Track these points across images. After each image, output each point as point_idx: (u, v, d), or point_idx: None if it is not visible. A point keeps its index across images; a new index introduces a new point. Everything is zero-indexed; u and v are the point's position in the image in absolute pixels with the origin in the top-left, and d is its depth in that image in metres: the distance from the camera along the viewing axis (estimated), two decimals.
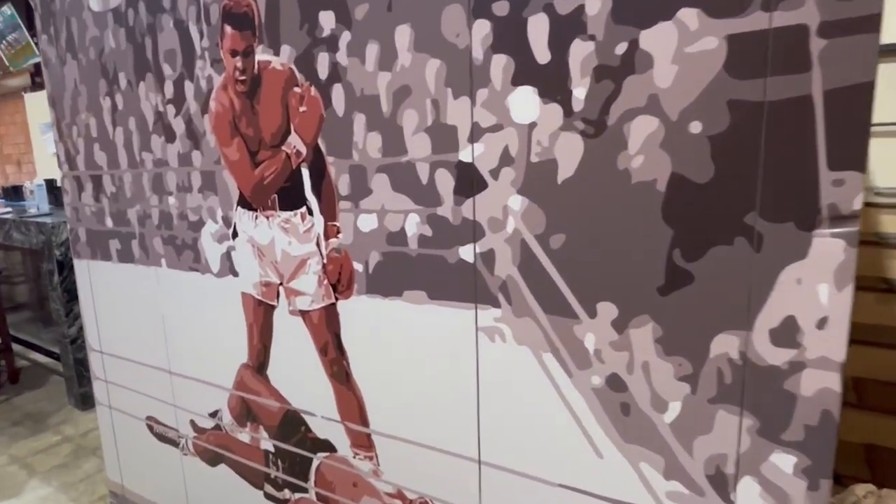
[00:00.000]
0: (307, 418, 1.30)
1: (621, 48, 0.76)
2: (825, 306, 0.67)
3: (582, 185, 0.83)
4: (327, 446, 1.27)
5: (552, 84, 0.82)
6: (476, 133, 0.91)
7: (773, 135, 0.68)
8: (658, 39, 0.73)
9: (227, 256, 1.37)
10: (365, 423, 1.19)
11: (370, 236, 1.08)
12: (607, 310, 0.84)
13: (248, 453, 1.46)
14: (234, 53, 1.22)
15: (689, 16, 0.71)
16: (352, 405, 1.20)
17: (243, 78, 1.21)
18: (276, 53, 1.15)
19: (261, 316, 1.34)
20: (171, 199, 1.47)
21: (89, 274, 1.81)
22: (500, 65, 0.86)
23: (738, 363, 0.75)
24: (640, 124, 0.76)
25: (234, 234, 1.34)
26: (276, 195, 1.23)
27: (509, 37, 0.85)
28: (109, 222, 1.67)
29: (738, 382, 0.75)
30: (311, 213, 1.18)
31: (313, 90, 1.10)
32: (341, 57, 1.04)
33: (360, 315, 1.14)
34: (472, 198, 0.94)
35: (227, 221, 1.35)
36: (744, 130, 0.70)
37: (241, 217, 1.32)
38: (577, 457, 0.91)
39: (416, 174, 0.99)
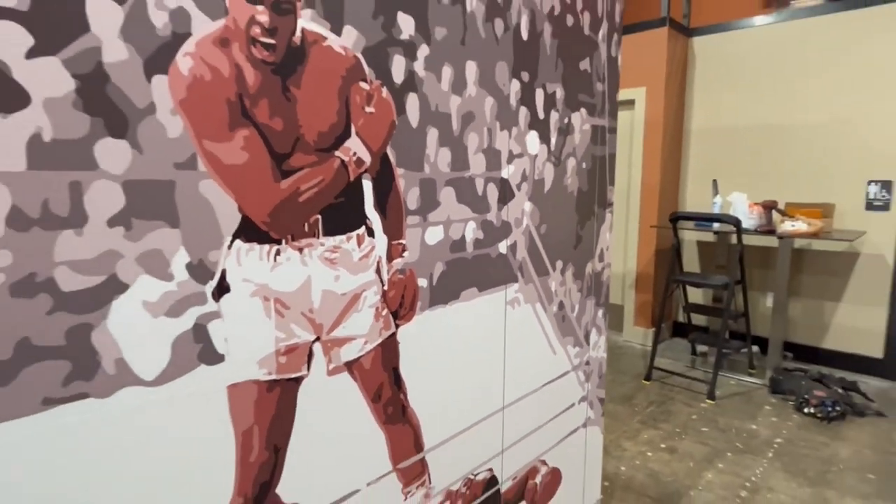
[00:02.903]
0: None
1: (564, 123, 1.42)
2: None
3: (552, 194, 1.41)
4: None
5: (543, 133, 1.35)
6: (510, 158, 1.26)
7: None
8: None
9: (198, 334, 0.75)
10: (420, 448, 1.13)
11: (436, 248, 1.10)
12: (559, 264, 1.47)
13: None
14: None
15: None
16: (406, 439, 1.10)
17: (271, 42, 0.79)
18: (337, 32, 0.87)
19: (272, 405, 0.85)
20: None
21: None
22: (523, 114, 1.28)
23: (591, 272, 1.61)
24: (569, 162, 1.45)
25: (222, 291, 0.77)
26: (318, 216, 0.88)
27: (527, 96, 1.28)
28: None
29: (593, 280, 1.61)
30: (371, 234, 0.97)
31: (385, 92, 0.96)
32: (419, 67, 1.02)
33: (421, 334, 1.10)
34: (507, 204, 1.26)
35: (198, 272, 0.75)
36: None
37: (244, 257, 0.79)
38: (547, 360, 1.47)
39: (475, 187, 1.17)
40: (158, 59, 0.69)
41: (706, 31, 4.05)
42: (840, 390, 3.04)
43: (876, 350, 3.56)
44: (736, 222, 3.14)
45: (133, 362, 0.71)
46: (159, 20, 0.69)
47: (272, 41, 0.80)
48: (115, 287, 0.68)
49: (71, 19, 0.62)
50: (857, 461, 2.48)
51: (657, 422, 2.88)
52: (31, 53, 0.60)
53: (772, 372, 3.32)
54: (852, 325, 3.63)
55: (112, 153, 0.66)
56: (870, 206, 3.50)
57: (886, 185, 3.44)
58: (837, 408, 2.88)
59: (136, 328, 0.70)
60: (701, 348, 3.97)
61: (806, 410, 2.96)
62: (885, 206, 3.45)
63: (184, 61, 0.71)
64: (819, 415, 2.90)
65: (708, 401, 3.14)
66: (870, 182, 3.49)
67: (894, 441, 2.67)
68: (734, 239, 3.49)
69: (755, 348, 3.72)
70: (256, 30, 0.78)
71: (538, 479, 1.50)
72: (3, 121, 0.59)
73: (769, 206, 3.41)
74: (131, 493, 0.72)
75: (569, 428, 1.62)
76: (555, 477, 1.57)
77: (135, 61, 0.67)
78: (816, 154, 3.67)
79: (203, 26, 0.73)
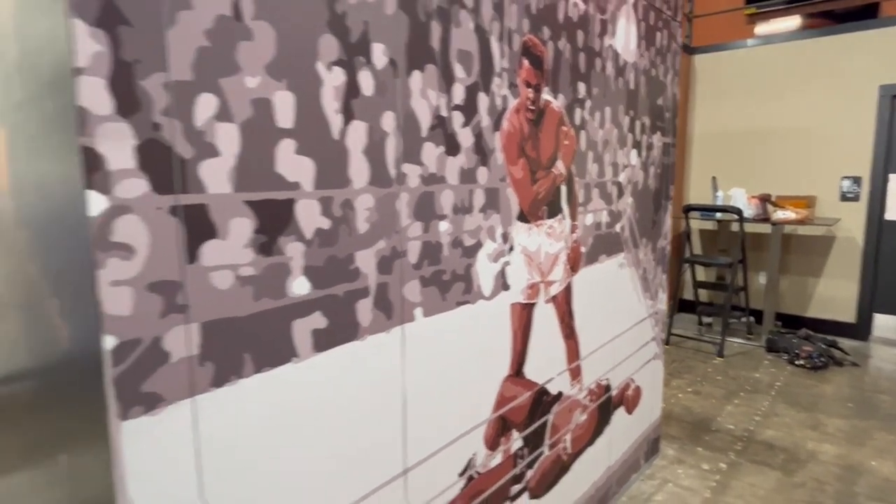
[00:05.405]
0: (548, 386, 1.61)
1: (649, 142, 2.05)
2: None
3: (642, 192, 2.03)
4: (557, 397, 1.66)
5: (639, 150, 1.97)
6: (623, 168, 1.88)
7: None
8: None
9: (501, 273, 1.35)
10: (579, 357, 1.74)
11: (589, 228, 1.72)
12: (644, 241, 2.10)
13: (498, 475, 1.44)
14: (528, 85, 1.37)
15: None
16: (573, 350, 1.71)
17: (533, 108, 1.40)
18: (556, 98, 1.48)
19: (524, 318, 1.46)
20: (444, 225, 1.16)
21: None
22: (630, 138, 1.90)
23: (660, 247, 2.24)
24: (651, 169, 2.08)
25: (511, 249, 1.38)
26: (545, 207, 1.49)
27: (632, 126, 1.91)
28: (298, 287, 0.90)
29: (661, 253, 2.25)
30: (564, 217, 1.58)
31: (572, 131, 1.57)
32: (585, 114, 1.63)
33: (582, 282, 1.71)
34: (620, 199, 1.89)
35: (505, 238, 1.35)
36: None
37: (518, 230, 1.40)
38: (636, 307, 2.11)
39: (607, 188, 1.79)
40: (497, 122, 1.29)
41: (705, 51, 4.74)
42: (823, 346, 3.76)
43: (849, 316, 4.31)
44: (739, 212, 3.83)
45: (482, 286, 1.31)
46: (499, 101, 1.29)
47: (534, 108, 1.41)
48: (478, 245, 1.28)
49: (474, 108, 1.22)
50: (839, 396, 3.19)
51: (681, 373, 3.55)
52: (462, 125, 1.20)
53: (767, 335, 4.03)
54: (830, 296, 4.37)
55: (482, 174, 1.26)
56: (843, 197, 4.23)
57: (857, 180, 4.17)
58: (822, 359, 3.60)
59: (484, 268, 1.31)
60: (706, 319, 4.67)
61: (797, 363, 3.67)
62: (856, 198, 4.19)
63: (504, 123, 1.32)
64: (807, 365, 3.61)
65: (718, 358, 3.83)
66: (843, 177, 4.23)
67: (866, 382, 3.39)
68: (735, 226, 4.18)
69: (751, 318, 4.43)
70: (528, 102, 1.38)
71: (629, 392, 2.14)
72: (453, 159, 1.18)
73: (764, 199, 4.11)
74: (478, 349, 1.32)
75: (646, 358, 2.26)
76: (638, 392, 2.21)
77: (489, 124, 1.27)
78: (799, 154, 4.39)
79: (511, 102, 1.33)
